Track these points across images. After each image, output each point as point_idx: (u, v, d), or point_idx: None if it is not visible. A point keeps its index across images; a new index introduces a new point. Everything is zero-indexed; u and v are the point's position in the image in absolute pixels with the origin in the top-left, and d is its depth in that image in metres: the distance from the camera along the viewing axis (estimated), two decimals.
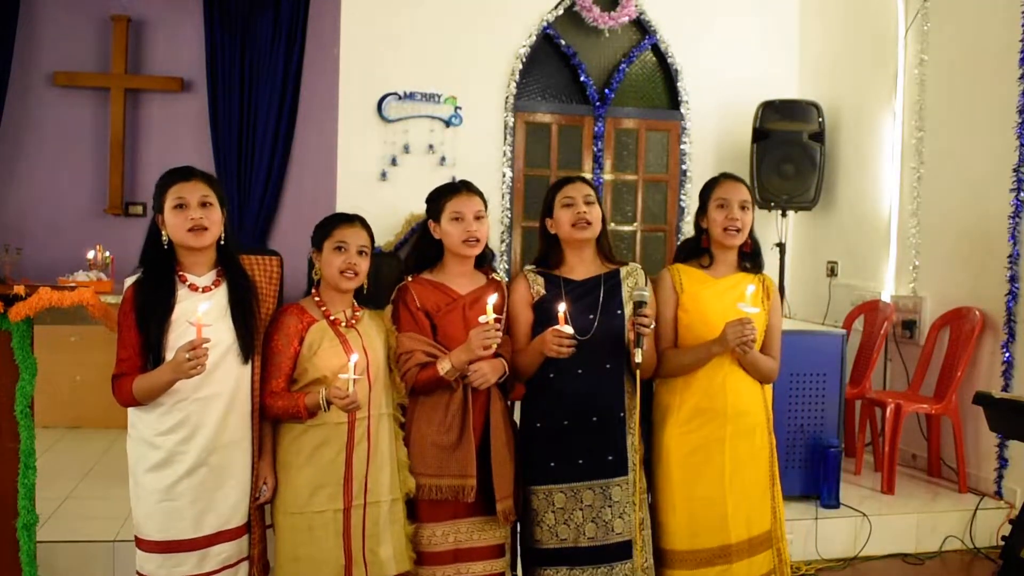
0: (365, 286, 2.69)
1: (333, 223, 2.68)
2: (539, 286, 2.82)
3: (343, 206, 5.85)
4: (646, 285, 2.83)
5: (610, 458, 2.78)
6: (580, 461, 2.76)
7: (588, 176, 6.40)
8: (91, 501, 4.13)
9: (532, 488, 2.79)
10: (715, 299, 2.86)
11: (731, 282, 2.90)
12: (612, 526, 2.76)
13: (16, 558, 2.79)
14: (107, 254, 6.08)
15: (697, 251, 2.98)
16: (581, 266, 2.85)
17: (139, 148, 7.06)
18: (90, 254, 6.05)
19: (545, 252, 2.89)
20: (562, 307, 2.61)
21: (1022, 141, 4.60)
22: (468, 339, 2.57)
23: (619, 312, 2.81)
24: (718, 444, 2.83)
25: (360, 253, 2.64)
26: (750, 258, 2.96)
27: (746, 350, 2.74)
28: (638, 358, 2.64)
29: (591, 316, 2.78)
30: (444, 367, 2.61)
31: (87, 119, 6.99)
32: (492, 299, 2.54)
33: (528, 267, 2.93)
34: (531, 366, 2.77)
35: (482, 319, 2.52)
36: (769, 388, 2.97)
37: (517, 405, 2.92)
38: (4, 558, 2.78)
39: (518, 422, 2.89)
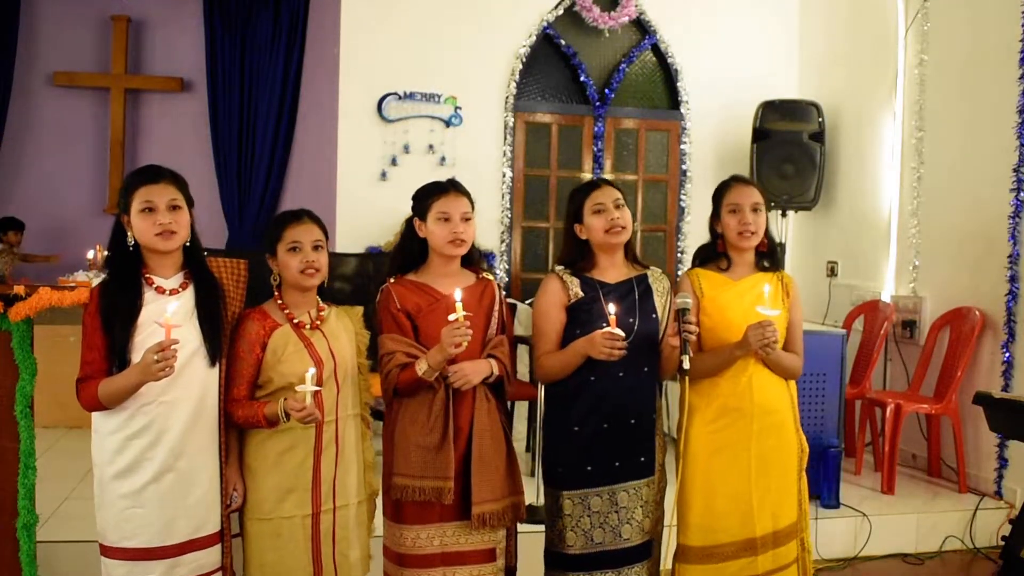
0: (326, 281, 2.62)
1: (282, 224, 2.59)
2: (576, 288, 2.79)
3: (343, 206, 5.86)
4: (688, 291, 2.82)
5: (643, 459, 2.79)
6: (616, 463, 2.76)
7: (588, 176, 6.41)
8: (91, 501, 4.09)
9: (565, 493, 2.76)
10: (735, 301, 2.87)
11: (750, 283, 2.90)
12: (643, 526, 2.79)
13: (16, 558, 2.78)
14: (107, 254, 6.06)
15: (714, 255, 2.99)
16: (613, 269, 2.84)
17: (139, 148, 7.07)
18: (90, 254, 6.05)
19: (574, 257, 2.85)
20: (612, 308, 2.59)
21: (1022, 141, 4.60)
22: (441, 338, 2.53)
23: (654, 315, 2.81)
24: (744, 442, 2.84)
25: (316, 248, 2.56)
26: (767, 256, 2.97)
27: (768, 352, 2.74)
28: (687, 364, 2.62)
29: (631, 319, 2.76)
30: (421, 368, 2.56)
31: (87, 119, 6.99)
32: (458, 294, 2.50)
33: (559, 267, 2.89)
34: (568, 368, 2.74)
35: (451, 317, 2.48)
36: (795, 385, 2.98)
37: (519, 406, 2.91)
38: (4, 558, 2.77)
39: (546, 426, 2.88)
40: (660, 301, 2.85)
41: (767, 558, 2.85)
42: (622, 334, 2.58)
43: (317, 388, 2.37)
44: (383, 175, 6.00)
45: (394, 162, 6.01)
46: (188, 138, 6.94)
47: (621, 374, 2.74)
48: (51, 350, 3.77)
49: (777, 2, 6.60)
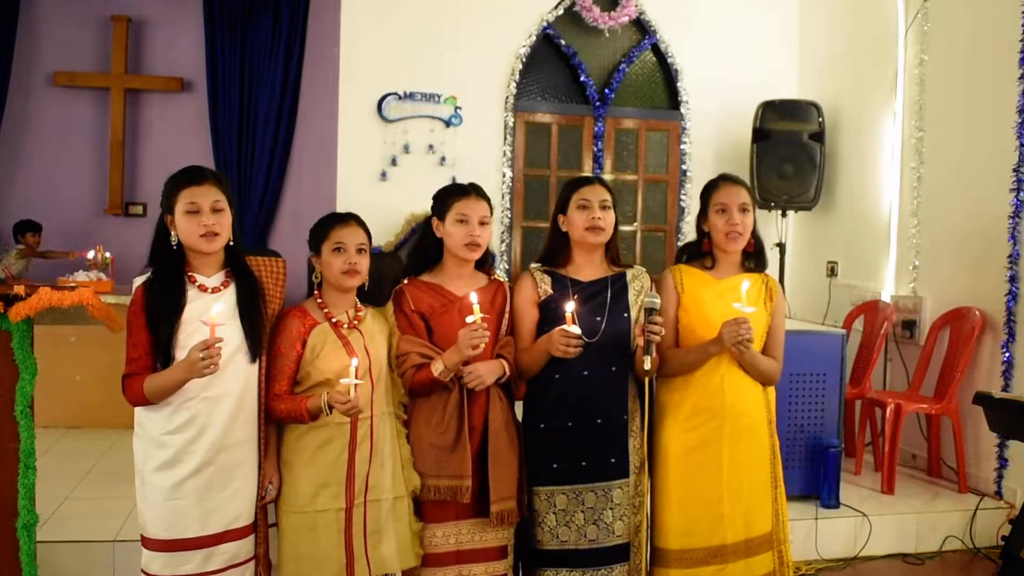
0: (366, 283, 2.70)
1: (329, 225, 2.68)
2: (546, 285, 2.81)
3: (343, 206, 5.84)
4: (652, 290, 2.81)
5: (612, 460, 2.78)
6: (583, 463, 2.76)
7: (589, 175, 6.40)
8: (91, 501, 4.13)
9: (534, 489, 2.79)
10: (716, 299, 2.86)
11: (733, 283, 2.87)
12: (612, 528, 2.77)
13: (16, 558, 2.78)
14: (107, 254, 6.09)
15: (699, 254, 2.98)
16: (589, 267, 2.85)
17: (139, 148, 7.07)
18: (90, 254, 6.06)
19: (554, 249, 2.87)
20: (570, 307, 2.59)
21: (1022, 141, 4.60)
22: (457, 339, 2.57)
23: (625, 315, 2.80)
24: (716, 444, 2.83)
25: (359, 251, 2.65)
26: (753, 257, 2.95)
27: (742, 349, 2.72)
28: (647, 365, 2.62)
29: (598, 318, 2.77)
30: (437, 368, 2.61)
31: (87, 119, 7.00)
32: (474, 297, 2.54)
33: (534, 265, 2.92)
34: (535, 365, 2.76)
35: (469, 319, 2.52)
36: (772, 389, 2.96)
37: (519, 405, 2.92)
38: (4, 558, 2.77)
39: (523, 421, 2.89)
40: (635, 300, 2.83)
41: (739, 567, 2.82)
42: (578, 331, 2.58)
43: (359, 381, 2.42)
44: (383, 175, 6.00)
45: (394, 162, 6.01)
46: (188, 138, 6.95)
47: (585, 373, 2.74)
48: (51, 350, 3.77)
49: (777, 2, 6.60)
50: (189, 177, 2.49)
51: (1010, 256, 4.64)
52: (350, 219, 2.70)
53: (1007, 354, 4.64)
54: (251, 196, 6.87)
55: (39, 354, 2.84)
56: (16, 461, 2.78)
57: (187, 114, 7.00)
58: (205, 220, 2.44)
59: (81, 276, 5.69)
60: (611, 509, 2.77)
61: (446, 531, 2.70)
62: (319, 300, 2.67)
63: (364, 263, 2.65)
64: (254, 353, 2.51)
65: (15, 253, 6.48)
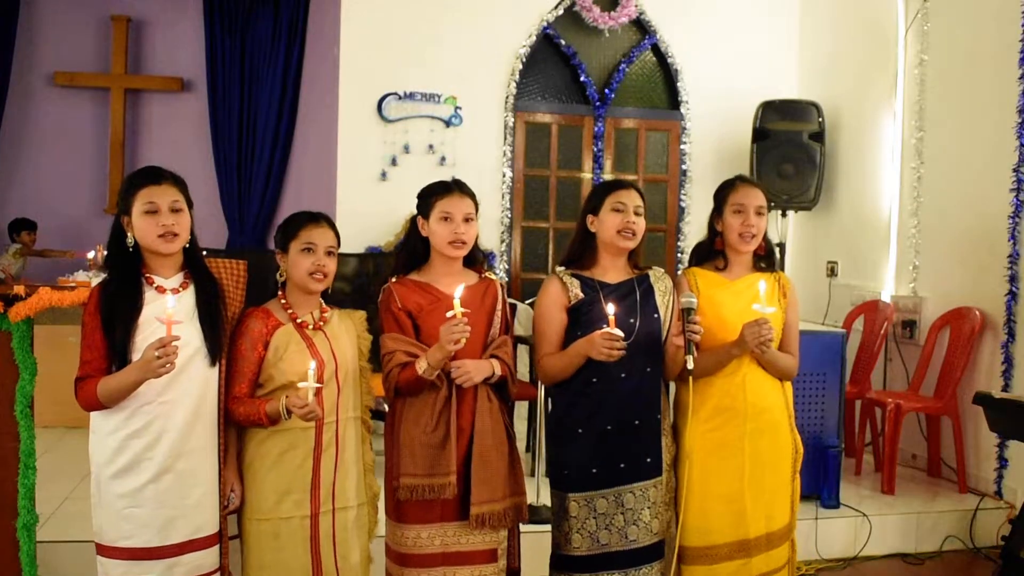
0: (330, 288, 2.63)
1: (299, 223, 2.60)
2: (576, 289, 2.79)
3: (343, 206, 5.86)
4: (690, 292, 2.81)
5: (648, 460, 2.79)
6: (622, 465, 2.76)
7: (588, 176, 6.41)
8: (91, 501, 4.12)
9: (570, 495, 2.76)
10: (731, 301, 2.87)
11: (747, 283, 2.90)
12: (651, 527, 2.78)
13: (16, 558, 2.78)
14: (106, 254, 6.08)
15: (711, 253, 2.98)
16: (614, 270, 2.84)
17: (139, 148, 7.08)
18: (90, 254, 6.06)
19: (579, 251, 2.86)
20: (611, 309, 2.58)
21: (1022, 141, 4.60)
22: (439, 336, 2.53)
23: (656, 316, 2.81)
24: (738, 442, 2.84)
25: (328, 254, 2.57)
26: (765, 258, 2.97)
27: (764, 350, 2.74)
28: (690, 364, 2.63)
29: (631, 320, 2.76)
30: (421, 366, 2.56)
31: (87, 119, 7.00)
32: (458, 291, 2.50)
33: (560, 268, 2.89)
34: (569, 369, 2.74)
35: (448, 314, 2.49)
36: (789, 385, 2.98)
37: (518, 406, 2.90)
38: (4, 558, 2.77)
39: (551, 427, 2.88)
40: (662, 301, 2.84)
41: (760, 560, 2.85)
42: (621, 335, 2.57)
43: (318, 385, 2.37)
44: (383, 175, 5.99)
45: (394, 162, 6.01)
46: (188, 138, 6.95)
47: (623, 375, 2.74)
48: (51, 350, 3.76)
49: (777, 2, 6.59)
50: (147, 177, 2.43)
51: (1010, 256, 4.64)
52: (321, 219, 2.63)
53: (1007, 354, 4.64)
54: (251, 196, 6.87)
55: (39, 354, 2.84)
56: (16, 461, 2.78)
57: (187, 114, 7.00)
58: (164, 220, 2.37)
59: (81, 276, 5.69)
60: (648, 508, 2.78)
61: (431, 532, 2.65)
62: (283, 300, 2.59)
63: (332, 266, 2.58)
64: (213, 356, 2.43)
65: (12, 252, 6.49)
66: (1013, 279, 4.64)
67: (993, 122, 4.79)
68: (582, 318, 2.75)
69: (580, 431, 2.77)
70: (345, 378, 2.59)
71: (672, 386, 2.93)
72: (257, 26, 6.80)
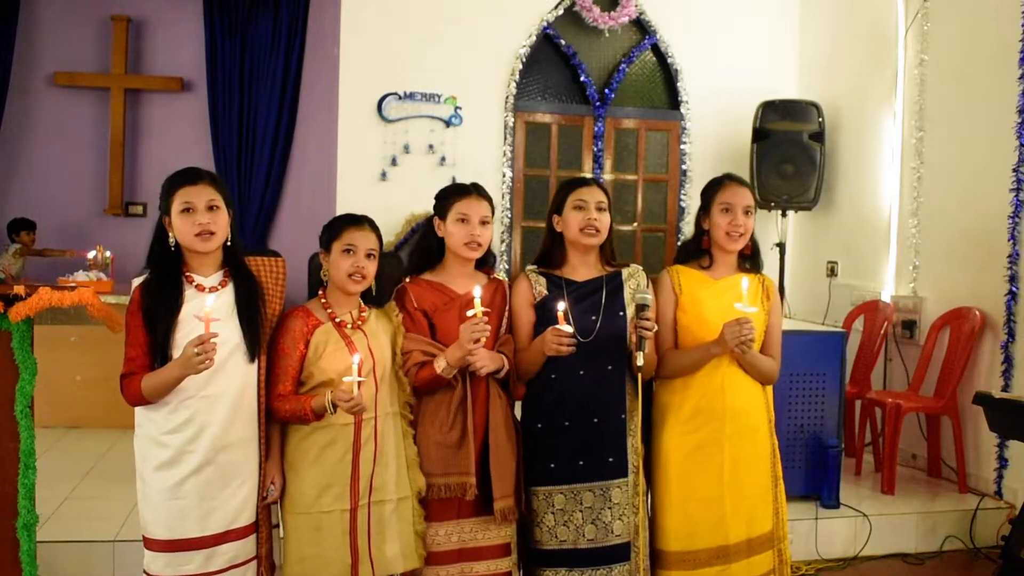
0: (373, 288, 2.70)
1: (342, 225, 2.67)
2: (541, 286, 2.82)
3: (343, 206, 5.85)
4: (647, 287, 2.83)
5: (610, 460, 2.78)
6: (580, 462, 2.77)
7: (586, 175, 6.41)
8: (91, 501, 4.13)
9: (532, 489, 2.79)
10: (713, 300, 2.86)
11: (730, 283, 2.89)
12: (611, 528, 2.77)
13: (16, 558, 2.78)
14: (107, 254, 6.10)
15: (697, 252, 2.98)
16: (583, 267, 2.85)
17: (139, 148, 7.08)
18: (90, 254, 6.06)
19: (548, 249, 2.88)
20: (561, 306, 2.61)
21: (1022, 141, 4.60)
22: (459, 335, 2.58)
23: (621, 314, 2.81)
24: (717, 444, 2.83)
25: (368, 256, 2.64)
26: (750, 259, 2.96)
27: (744, 350, 2.73)
28: (640, 361, 2.66)
29: (593, 317, 2.78)
30: (440, 365, 2.62)
31: (87, 119, 7.00)
32: (477, 291, 2.55)
33: (530, 267, 2.93)
34: (533, 366, 2.77)
35: (469, 313, 2.53)
36: (770, 389, 2.96)
37: (518, 405, 2.92)
38: (4, 558, 2.77)
39: (522, 422, 2.89)
40: (631, 299, 2.83)
41: (741, 567, 2.83)
42: (570, 330, 2.60)
43: (362, 379, 2.42)
44: (383, 175, 6.00)
45: (394, 162, 6.01)
46: (188, 138, 6.95)
47: (581, 372, 2.75)
48: (51, 350, 3.77)
49: (777, 2, 6.60)
50: (184, 177, 2.50)
51: (1010, 256, 4.64)
52: (364, 222, 2.70)
53: (1007, 354, 4.64)
54: (251, 196, 6.87)
55: (39, 354, 2.84)
56: (16, 461, 2.78)
57: (187, 114, 7.00)
58: (200, 219, 2.44)
59: (81, 276, 5.69)
60: (610, 509, 2.77)
61: (448, 529, 2.71)
62: (323, 300, 2.67)
63: (371, 268, 2.64)
64: (252, 353, 2.51)
65: (12, 252, 6.48)
66: (1013, 279, 4.64)
67: (993, 122, 4.79)
68: (545, 315, 2.77)
69: (539, 426, 2.80)
70: (383, 375, 2.65)
71: (647, 386, 2.91)
72: (257, 26, 6.80)
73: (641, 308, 2.68)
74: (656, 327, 2.72)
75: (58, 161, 6.97)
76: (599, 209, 2.79)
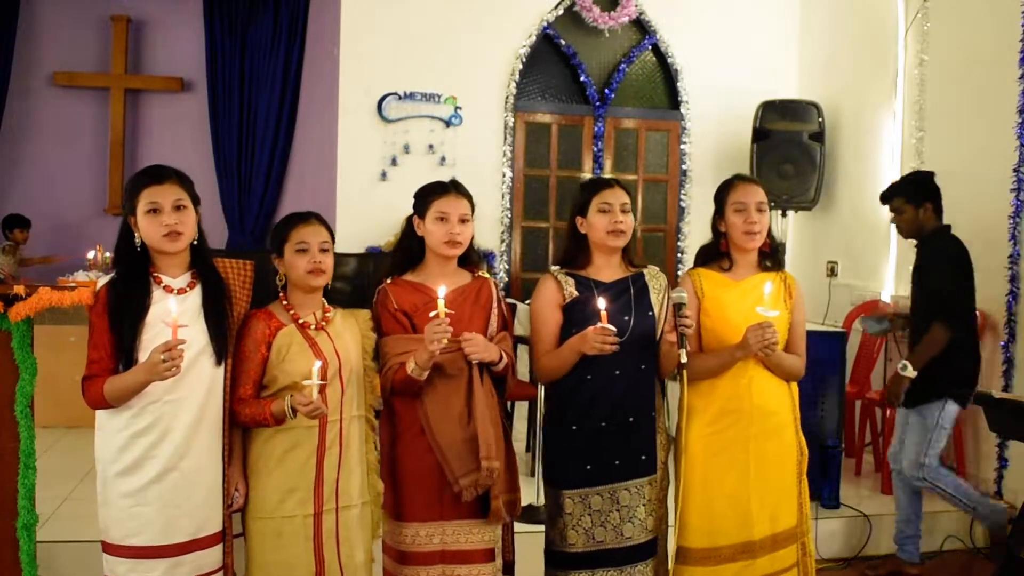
0: (330, 283, 2.64)
1: (290, 225, 2.61)
2: (571, 287, 2.80)
3: (343, 206, 5.87)
4: (680, 286, 2.82)
5: (643, 457, 2.80)
6: (616, 462, 2.77)
7: (588, 176, 6.41)
8: (91, 501, 4.06)
9: (565, 492, 2.77)
10: (736, 302, 2.86)
11: (752, 283, 2.89)
12: (646, 524, 2.79)
13: (16, 558, 2.79)
14: (107, 254, 6.09)
15: (717, 255, 2.97)
16: (608, 268, 2.85)
17: (139, 148, 7.08)
18: (90, 254, 6.06)
19: (573, 252, 2.87)
20: (603, 303, 2.60)
21: (1022, 141, 4.60)
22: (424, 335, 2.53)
23: (650, 313, 2.81)
24: (742, 444, 2.83)
25: (323, 250, 2.58)
26: (769, 257, 2.96)
27: (768, 354, 2.73)
28: (683, 358, 2.65)
29: (626, 317, 2.77)
30: (409, 366, 2.57)
31: (87, 119, 7.00)
32: (441, 291, 2.51)
33: (555, 268, 2.90)
34: (564, 367, 2.75)
35: (432, 314, 2.49)
36: (795, 387, 2.97)
37: (519, 406, 2.91)
38: (4, 558, 2.78)
39: (547, 425, 2.89)
40: (656, 298, 2.84)
41: (765, 561, 2.84)
42: (613, 329, 2.58)
43: (323, 383, 2.38)
44: (383, 175, 6.00)
45: (394, 162, 6.01)
46: (188, 138, 6.95)
47: (617, 372, 2.75)
48: (51, 350, 3.77)
49: (777, 2, 6.60)
50: (150, 176, 2.44)
51: (1010, 256, 4.64)
52: (311, 218, 2.64)
53: (1007, 354, 4.64)
54: (251, 196, 6.87)
55: (39, 354, 2.84)
56: (16, 461, 2.78)
57: (187, 114, 7.00)
58: (167, 219, 2.38)
59: (81, 276, 5.70)
60: (644, 505, 2.78)
61: (430, 530, 2.66)
62: (284, 302, 2.60)
63: (328, 262, 2.59)
64: (219, 356, 2.45)
65: (4, 251, 6.42)
66: (1013, 279, 4.63)
67: (993, 122, 4.79)
68: (577, 316, 2.75)
69: (574, 428, 2.78)
70: (349, 377, 2.60)
71: (672, 386, 2.92)
72: (257, 26, 6.80)
73: (678, 307, 2.69)
74: (694, 324, 2.73)
75: (58, 161, 6.97)
76: (624, 211, 2.79)
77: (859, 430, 5.17)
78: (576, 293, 2.79)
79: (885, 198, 4.24)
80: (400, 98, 6.03)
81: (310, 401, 2.36)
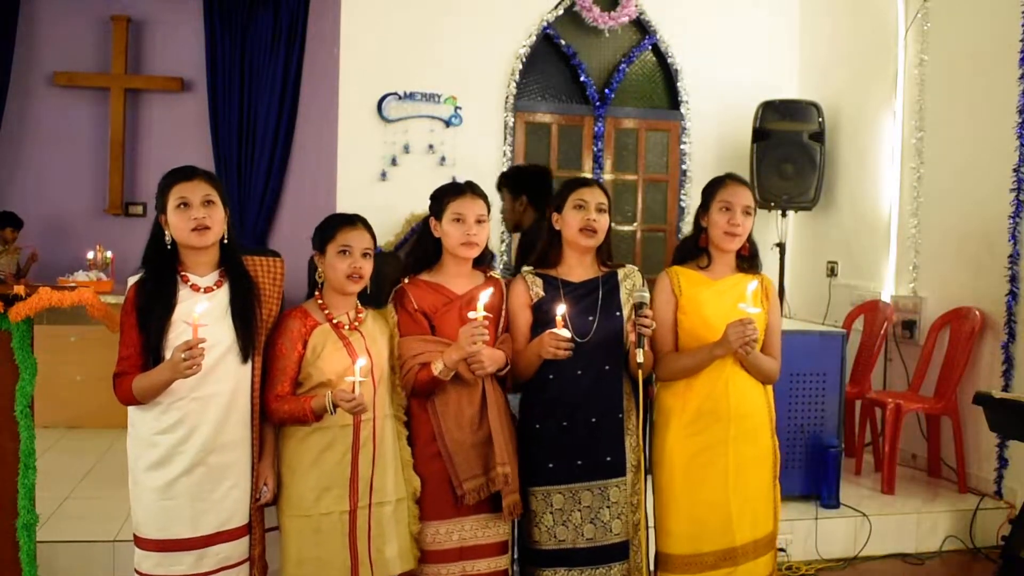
0: (368, 287, 2.69)
1: (336, 226, 2.66)
2: (538, 287, 2.82)
3: (343, 206, 5.85)
4: (643, 286, 2.83)
5: (608, 459, 2.79)
6: (579, 462, 2.77)
7: (588, 176, 6.41)
8: (91, 501, 4.13)
9: (531, 489, 2.79)
10: (714, 300, 2.86)
11: (730, 283, 2.88)
12: (610, 527, 2.77)
13: (16, 558, 2.79)
14: (107, 254, 6.08)
15: (695, 251, 2.97)
16: (580, 267, 2.86)
17: (139, 148, 7.07)
18: (90, 254, 6.06)
19: (546, 248, 2.88)
20: (561, 309, 2.61)
21: (1022, 141, 4.60)
22: (458, 337, 2.57)
23: (618, 314, 2.81)
24: (721, 447, 2.82)
25: (364, 256, 2.63)
26: (748, 260, 2.95)
27: (748, 351, 2.73)
28: (640, 359, 2.65)
29: (590, 318, 2.78)
30: (437, 367, 2.61)
31: (87, 119, 6.99)
32: (484, 295, 2.54)
33: (526, 268, 2.92)
34: (530, 367, 2.77)
35: (470, 315, 2.53)
36: (771, 389, 2.96)
37: (514, 403, 2.92)
38: (4, 558, 2.77)
39: (518, 423, 2.90)
40: (627, 299, 2.84)
41: (747, 568, 2.83)
42: (567, 334, 2.59)
43: (363, 379, 2.42)
44: (383, 175, 6.00)
45: (394, 162, 6.01)
46: (188, 138, 6.94)
47: (579, 372, 2.75)
48: (51, 350, 3.77)
49: (777, 2, 6.60)
50: (180, 174, 2.50)
51: (1010, 256, 4.64)
52: (357, 222, 2.69)
53: (1007, 354, 4.64)
54: (251, 196, 6.86)
55: (39, 354, 2.84)
56: (16, 461, 2.78)
57: (187, 114, 6.99)
58: (195, 213, 2.43)
59: (81, 276, 5.69)
60: (608, 508, 2.77)
61: (449, 528, 2.71)
62: (320, 301, 2.66)
63: (368, 268, 2.64)
64: (245, 354, 2.50)
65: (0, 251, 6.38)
66: (1013, 279, 4.64)
67: (993, 122, 4.79)
68: (542, 316, 2.77)
69: (538, 426, 2.80)
70: (381, 376, 2.65)
71: (644, 386, 2.91)
72: (257, 26, 6.79)
73: (639, 306, 2.68)
74: (655, 324, 2.72)
75: (58, 161, 6.96)
76: (599, 210, 2.79)
77: (859, 430, 5.18)
78: (543, 293, 2.80)
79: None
80: (400, 98, 6.03)
81: (353, 396, 2.40)
